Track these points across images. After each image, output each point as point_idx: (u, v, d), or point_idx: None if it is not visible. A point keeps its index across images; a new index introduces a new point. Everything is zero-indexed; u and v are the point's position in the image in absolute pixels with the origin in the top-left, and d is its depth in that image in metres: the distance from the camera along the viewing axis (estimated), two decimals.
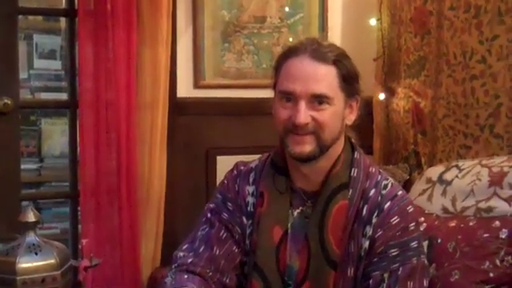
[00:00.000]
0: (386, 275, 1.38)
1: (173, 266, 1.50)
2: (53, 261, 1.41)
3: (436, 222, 1.92)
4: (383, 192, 1.45)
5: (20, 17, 2.56)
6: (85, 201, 2.42)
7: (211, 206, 1.59)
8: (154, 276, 2.41)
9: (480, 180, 1.94)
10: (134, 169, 2.44)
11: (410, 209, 1.45)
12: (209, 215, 1.57)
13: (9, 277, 1.38)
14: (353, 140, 1.54)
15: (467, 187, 1.96)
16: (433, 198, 2.06)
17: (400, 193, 1.46)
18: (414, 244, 1.41)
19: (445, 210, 2.00)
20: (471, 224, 1.84)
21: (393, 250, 1.39)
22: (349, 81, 1.44)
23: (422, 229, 1.51)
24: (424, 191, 2.09)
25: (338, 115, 1.44)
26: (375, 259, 1.41)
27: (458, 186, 2.00)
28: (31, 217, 1.44)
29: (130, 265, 2.42)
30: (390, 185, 1.47)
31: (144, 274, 2.45)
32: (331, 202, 1.45)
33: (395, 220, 1.41)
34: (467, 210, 1.94)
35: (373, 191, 1.45)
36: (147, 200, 2.48)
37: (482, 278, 1.71)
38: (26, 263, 1.39)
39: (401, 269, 1.38)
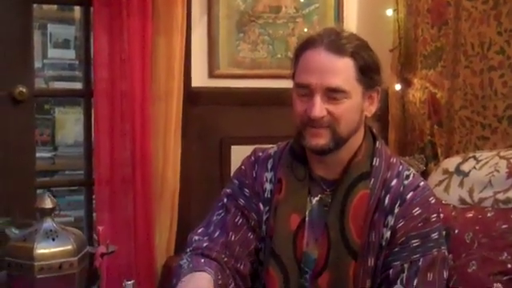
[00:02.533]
0: (406, 265, 1.37)
1: (188, 250, 1.49)
2: (70, 247, 1.42)
3: (453, 213, 1.91)
4: (405, 182, 1.44)
5: (34, 6, 2.56)
6: (99, 189, 2.43)
7: (228, 191, 1.58)
8: (167, 264, 2.41)
9: (498, 171, 1.93)
10: (149, 158, 2.44)
11: (432, 200, 1.44)
12: (225, 200, 1.56)
13: (26, 262, 1.39)
14: (374, 130, 1.53)
15: (485, 178, 1.95)
16: (450, 188, 2.05)
17: (422, 183, 1.45)
18: (435, 235, 1.41)
19: (462, 200, 1.99)
20: (489, 215, 1.83)
21: (414, 241, 1.39)
22: (367, 73, 1.41)
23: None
24: (441, 182, 2.08)
25: (354, 108, 1.42)
26: (396, 249, 1.40)
27: (476, 176, 1.99)
28: (48, 203, 1.44)
29: (144, 253, 2.42)
30: (411, 175, 1.46)
31: (158, 262, 2.45)
32: (352, 191, 1.44)
33: (417, 211, 1.40)
34: (485, 201, 1.93)
35: (395, 181, 1.44)
36: (161, 189, 2.48)
37: (499, 269, 1.70)
38: (44, 249, 1.39)
39: (421, 260, 1.37)
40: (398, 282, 1.37)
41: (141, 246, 2.41)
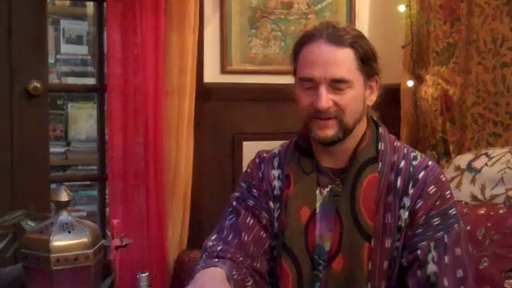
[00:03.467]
0: (432, 244, 1.39)
1: (203, 255, 1.50)
2: (85, 239, 1.43)
3: (465, 210, 1.91)
4: (414, 163, 1.46)
5: (47, 2, 2.58)
6: (113, 184, 2.45)
7: (236, 194, 1.60)
8: (180, 259, 2.43)
9: (510, 168, 1.93)
10: (161, 153, 2.46)
11: (443, 177, 1.47)
12: (234, 204, 1.58)
13: (43, 254, 1.40)
14: (375, 118, 1.55)
15: (497, 175, 1.95)
16: (461, 185, 2.05)
17: (430, 162, 1.48)
18: (452, 211, 1.43)
19: (474, 197, 1.99)
20: (501, 212, 1.83)
21: (435, 220, 1.41)
22: (367, 62, 1.44)
23: None
24: (452, 179, 2.08)
25: (358, 97, 1.45)
26: (419, 230, 1.42)
27: (488, 173, 1.99)
28: (64, 196, 1.46)
29: (157, 247, 2.44)
30: (418, 156, 1.49)
31: (170, 256, 2.47)
32: (361, 176, 1.46)
33: (432, 189, 1.43)
34: (497, 197, 1.93)
35: (403, 163, 1.47)
36: (174, 184, 2.50)
37: (511, 266, 1.71)
38: (60, 241, 1.40)
39: (446, 236, 1.40)
40: (430, 261, 1.39)
41: (153, 240, 2.43)
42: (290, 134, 1.67)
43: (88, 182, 3.41)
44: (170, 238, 2.48)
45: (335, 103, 1.41)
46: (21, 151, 2.41)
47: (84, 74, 3.70)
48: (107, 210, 2.58)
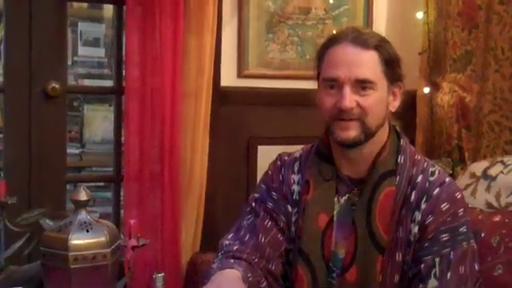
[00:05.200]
0: (437, 260, 1.39)
1: (219, 254, 1.51)
2: (103, 238, 1.44)
3: (480, 217, 1.91)
4: (431, 179, 1.45)
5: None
6: (128, 185, 2.46)
7: (256, 195, 1.61)
8: (193, 261, 2.44)
9: None
10: (177, 155, 2.47)
11: (459, 195, 1.46)
12: (253, 205, 1.59)
13: (61, 252, 1.42)
14: (398, 128, 1.55)
15: None
16: (476, 193, 2.04)
17: (448, 179, 1.47)
18: (463, 229, 1.42)
19: (489, 205, 1.99)
20: None
21: (443, 235, 1.40)
22: (391, 65, 1.45)
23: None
24: (467, 186, 2.08)
25: (381, 101, 1.45)
26: (426, 244, 1.41)
27: (503, 181, 1.99)
28: (83, 195, 1.47)
29: (171, 249, 2.45)
30: (437, 172, 1.48)
31: (184, 258, 2.48)
32: (378, 188, 1.45)
33: (445, 206, 1.42)
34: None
35: (420, 177, 1.46)
36: (189, 187, 2.51)
37: None
38: (78, 240, 1.42)
39: (452, 253, 1.39)
40: (432, 276, 1.39)
41: (167, 241, 2.45)
42: (305, 138, 1.68)
43: (102, 184, 3.44)
44: (183, 240, 2.49)
45: (358, 104, 1.42)
46: (38, 151, 2.44)
47: (100, 77, 3.74)
48: (121, 211, 2.59)
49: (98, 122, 3.68)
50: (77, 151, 3.61)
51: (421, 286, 1.40)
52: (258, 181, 1.70)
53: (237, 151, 2.67)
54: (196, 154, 2.51)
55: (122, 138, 2.55)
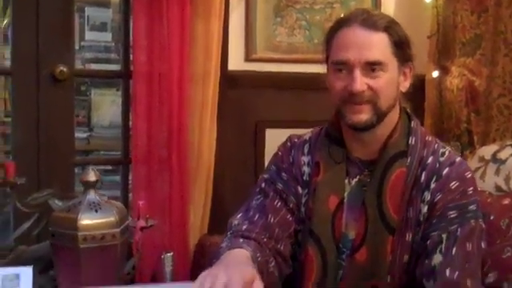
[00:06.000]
0: (444, 236, 1.38)
1: (228, 233, 1.51)
2: (112, 219, 1.45)
3: (489, 200, 1.90)
4: (441, 159, 1.45)
5: None
6: (136, 169, 2.47)
7: (265, 176, 1.60)
8: (201, 243, 2.45)
9: None
10: (185, 139, 2.47)
11: (469, 174, 1.45)
12: (263, 185, 1.59)
13: (70, 232, 1.42)
14: (408, 110, 1.54)
15: None
16: (485, 176, 2.04)
17: (458, 159, 1.46)
18: (472, 207, 1.41)
19: (498, 188, 1.98)
20: None
21: (451, 212, 1.40)
22: (401, 47, 1.44)
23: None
24: (476, 169, 2.07)
25: (392, 82, 1.44)
26: (434, 221, 1.41)
27: None
28: (92, 176, 1.48)
29: (179, 232, 2.45)
30: (447, 152, 1.47)
31: (191, 240, 2.49)
32: (389, 170, 1.45)
33: (454, 184, 1.41)
34: None
35: (431, 159, 1.46)
36: (196, 170, 2.51)
37: None
38: (87, 220, 1.43)
39: (459, 230, 1.38)
40: (437, 251, 1.38)
41: (175, 224, 2.45)
42: (314, 122, 1.67)
43: (110, 168, 3.44)
44: (191, 222, 2.49)
45: (369, 87, 1.41)
46: (46, 134, 2.44)
47: (107, 61, 3.74)
48: (130, 195, 2.60)
49: (106, 106, 3.69)
50: (84, 135, 3.61)
51: (426, 261, 1.40)
52: (265, 164, 1.70)
53: (244, 135, 2.67)
54: (204, 138, 2.51)
55: (130, 122, 2.55)
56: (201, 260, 2.38)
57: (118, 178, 2.89)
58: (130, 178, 2.56)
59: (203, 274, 1.21)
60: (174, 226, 2.45)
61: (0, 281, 1.50)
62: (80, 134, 3.52)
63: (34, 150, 2.42)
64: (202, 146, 2.50)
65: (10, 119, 2.80)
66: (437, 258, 1.38)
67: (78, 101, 3.59)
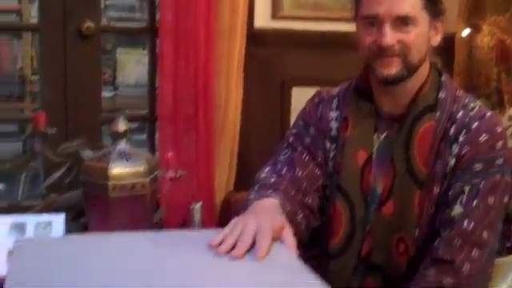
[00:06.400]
0: (466, 188, 1.38)
1: (255, 186, 1.52)
2: (142, 168, 1.46)
3: None
4: (471, 113, 1.44)
5: None
6: (162, 127, 2.48)
7: (293, 131, 1.60)
8: (227, 200, 2.47)
9: None
10: (211, 97, 2.47)
11: (499, 129, 1.43)
12: (291, 140, 1.59)
13: (101, 182, 1.44)
14: (439, 65, 1.53)
15: None
16: None
17: (489, 113, 1.45)
18: (499, 161, 1.40)
19: None
20: None
21: (477, 165, 1.39)
22: (432, 1, 1.42)
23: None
24: (506, 128, 2.04)
25: (423, 36, 1.43)
26: (458, 172, 1.40)
27: None
28: (122, 125, 1.49)
29: (205, 190, 2.47)
30: (477, 106, 1.46)
31: (217, 198, 2.51)
32: (418, 123, 1.44)
33: (483, 138, 1.40)
34: None
35: (460, 113, 1.44)
36: (222, 129, 2.51)
37: None
38: (118, 169, 1.44)
39: (482, 183, 1.37)
40: (458, 202, 1.38)
41: (201, 182, 2.47)
42: (340, 81, 1.66)
43: (136, 126, 3.45)
44: (217, 181, 2.51)
45: (399, 41, 1.39)
46: (74, 91, 2.46)
47: (132, 20, 3.73)
48: (156, 153, 2.61)
49: (131, 65, 3.69)
50: (110, 94, 3.63)
51: (446, 211, 1.40)
52: (291, 123, 1.70)
53: (270, 93, 2.66)
54: (230, 96, 2.50)
55: (156, 81, 2.55)
56: (227, 217, 2.39)
57: (143, 137, 2.91)
58: (156, 136, 2.58)
59: (233, 221, 1.22)
60: (200, 184, 2.46)
61: (33, 228, 1.53)
62: (106, 94, 3.54)
63: (61, 108, 2.44)
64: (228, 105, 2.50)
65: (37, 77, 2.82)
66: (457, 209, 1.38)
67: (103, 60, 3.60)
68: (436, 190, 1.43)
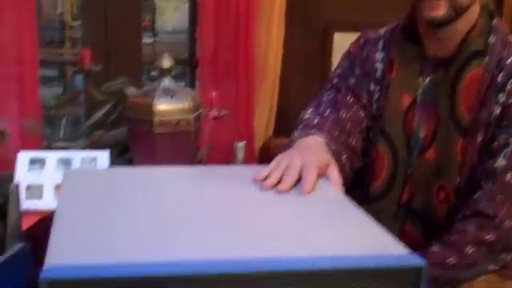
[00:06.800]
0: (511, 139, 1.34)
1: (298, 126, 1.51)
2: (187, 105, 1.46)
3: None
4: None
5: None
6: (203, 71, 2.48)
7: (337, 72, 1.57)
8: (266, 145, 2.47)
9: None
10: (252, 41, 2.45)
11: None
12: (335, 81, 1.56)
13: (146, 118, 1.45)
14: (491, 7, 1.47)
15: None
16: None
17: None
18: None
19: None
20: None
21: None
22: None
23: None
24: None
25: None
26: (504, 123, 1.36)
27: None
28: (167, 62, 1.48)
29: (244, 134, 2.48)
30: None
31: (256, 143, 2.52)
32: (465, 69, 1.39)
33: None
34: None
35: (510, 59, 1.39)
36: (263, 73, 2.50)
37: None
38: (163, 105, 1.44)
39: None
40: (501, 155, 1.35)
41: (241, 126, 2.48)
42: (383, 24, 1.62)
43: (177, 70, 3.44)
44: (256, 125, 2.51)
45: None
46: (115, 36, 2.46)
47: None
48: None
49: (170, 11, 3.68)
50: (149, 40, 3.64)
51: (490, 161, 1.37)
52: (333, 68, 1.67)
53: (312, 38, 2.63)
54: (271, 40, 2.48)
55: (196, 26, 2.54)
56: (266, 161, 2.40)
57: (182, 84, 2.91)
58: (196, 84, 2.59)
59: (278, 157, 1.21)
60: (239, 128, 2.47)
61: (78, 163, 1.56)
62: (145, 40, 3.54)
63: (102, 49, 2.44)
64: (269, 49, 2.48)
65: (77, 23, 2.83)
66: (500, 162, 1.34)
67: (142, 6, 3.59)
68: (479, 138, 1.39)
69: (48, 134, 2.44)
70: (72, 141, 1.85)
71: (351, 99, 1.52)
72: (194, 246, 0.73)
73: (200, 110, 1.51)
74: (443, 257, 1.34)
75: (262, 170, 1.15)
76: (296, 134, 1.45)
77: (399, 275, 0.73)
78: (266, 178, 1.12)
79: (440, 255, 1.34)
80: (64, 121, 3.28)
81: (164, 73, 1.48)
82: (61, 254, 0.67)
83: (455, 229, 1.37)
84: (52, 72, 3.85)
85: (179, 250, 0.71)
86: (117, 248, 0.70)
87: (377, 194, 1.49)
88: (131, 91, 1.63)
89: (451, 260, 1.34)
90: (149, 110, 1.43)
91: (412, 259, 0.74)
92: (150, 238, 0.74)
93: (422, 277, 0.73)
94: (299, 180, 1.12)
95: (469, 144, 1.40)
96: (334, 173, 1.20)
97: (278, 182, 1.11)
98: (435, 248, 1.35)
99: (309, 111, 1.53)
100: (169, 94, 1.45)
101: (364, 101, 1.51)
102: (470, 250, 1.33)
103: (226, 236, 0.78)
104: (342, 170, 1.41)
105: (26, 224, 1.22)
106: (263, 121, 2.52)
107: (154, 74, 3.44)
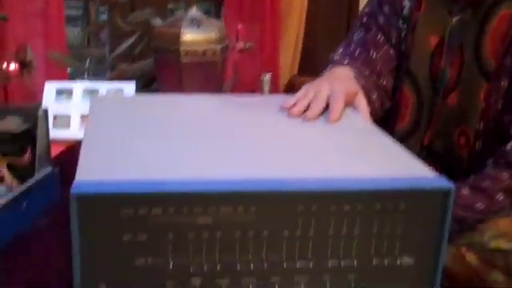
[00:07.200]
0: None
1: (328, 66, 1.49)
2: (213, 36, 1.44)
3: None
4: None
5: None
6: (229, 6, 2.45)
7: (366, 10, 1.53)
8: (291, 82, 2.46)
9: None
10: None
11: None
12: (364, 19, 1.52)
13: (173, 47, 1.44)
14: None
15: None
16: None
17: None
18: None
19: None
20: None
21: None
22: None
23: None
24: None
25: None
26: None
27: None
28: None
29: (269, 69, 2.45)
30: None
31: (282, 80, 2.50)
32: (494, 10, 1.35)
33: None
34: None
35: None
36: (289, 11, 2.47)
37: None
38: (189, 35, 1.43)
39: None
40: None
41: (267, 63, 2.46)
42: None
43: (203, 7, 3.40)
44: (282, 62, 2.49)
45: None
46: None
47: None
48: None
49: None
50: None
51: None
52: (360, 7, 1.64)
53: None
54: None
55: None
56: None
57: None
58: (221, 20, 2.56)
59: (306, 86, 1.20)
60: (265, 65, 2.45)
61: (105, 93, 1.57)
62: None
63: None
64: None
65: None
66: None
67: None
68: (504, 84, 1.36)
69: (73, 69, 2.45)
70: (97, 75, 1.85)
71: (381, 38, 1.49)
72: (221, 165, 0.73)
73: (226, 42, 1.49)
74: (473, 201, 1.33)
75: (290, 99, 1.14)
76: (326, 71, 1.44)
77: (427, 197, 0.73)
78: (293, 106, 1.12)
79: (469, 199, 1.34)
80: (88, 60, 3.27)
81: (191, 2, 1.46)
82: (90, 171, 0.68)
83: (487, 174, 1.35)
84: (75, 12, 3.81)
85: (203, 169, 0.71)
86: (145, 166, 0.70)
87: (402, 133, 1.48)
88: (157, 22, 1.62)
89: (480, 205, 1.34)
90: (175, 39, 1.42)
91: (440, 182, 0.74)
92: (181, 159, 0.74)
93: (449, 199, 0.73)
94: (327, 108, 1.12)
95: (493, 89, 1.37)
96: (362, 102, 1.19)
97: (306, 110, 1.10)
98: (465, 191, 1.34)
99: (338, 52, 1.51)
100: (195, 24, 1.43)
101: (394, 39, 1.48)
102: (500, 196, 1.32)
103: (257, 158, 0.78)
104: (372, 107, 1.40)
105: (54, 153, 1.23)
106: (288, 57, 2.50)
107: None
